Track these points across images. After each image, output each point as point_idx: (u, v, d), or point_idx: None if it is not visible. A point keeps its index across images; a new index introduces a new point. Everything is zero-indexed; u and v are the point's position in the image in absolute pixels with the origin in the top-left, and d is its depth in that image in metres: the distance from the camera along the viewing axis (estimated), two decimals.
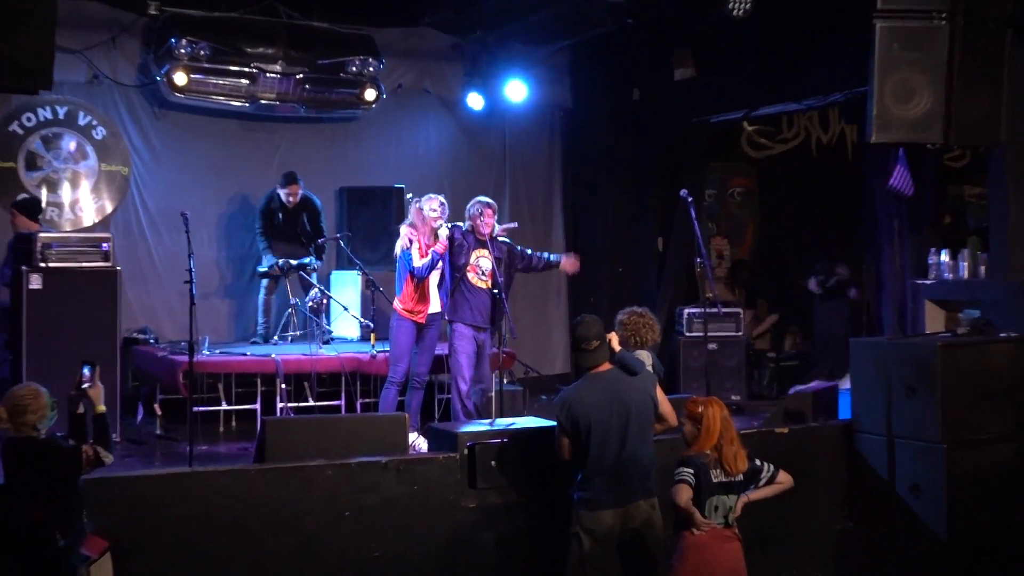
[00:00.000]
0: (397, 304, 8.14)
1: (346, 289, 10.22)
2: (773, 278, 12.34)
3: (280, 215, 10.07)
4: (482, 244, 8.01)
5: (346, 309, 9.60)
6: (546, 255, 8.36)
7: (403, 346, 8.10)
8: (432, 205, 8.02)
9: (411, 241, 7.99)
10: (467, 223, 8.05)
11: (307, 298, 9.61)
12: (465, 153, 11.75)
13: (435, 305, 8.20)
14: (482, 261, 8.01)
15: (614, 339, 5.66)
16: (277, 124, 10.86)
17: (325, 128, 11.11)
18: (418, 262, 7.93)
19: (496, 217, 8.07)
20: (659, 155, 11.45)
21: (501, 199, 11.60)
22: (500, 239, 8.09)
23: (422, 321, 8.13)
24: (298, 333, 9.76)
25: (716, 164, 12.52)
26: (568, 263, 8.31)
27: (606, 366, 5.57)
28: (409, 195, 8.54)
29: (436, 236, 7.94)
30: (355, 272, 9.97)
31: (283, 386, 8.71)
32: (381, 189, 10.81)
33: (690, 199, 8.26)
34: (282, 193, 10.04)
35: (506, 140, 11.93)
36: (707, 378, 8.89)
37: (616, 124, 11.75)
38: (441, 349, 8.48)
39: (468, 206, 8.10)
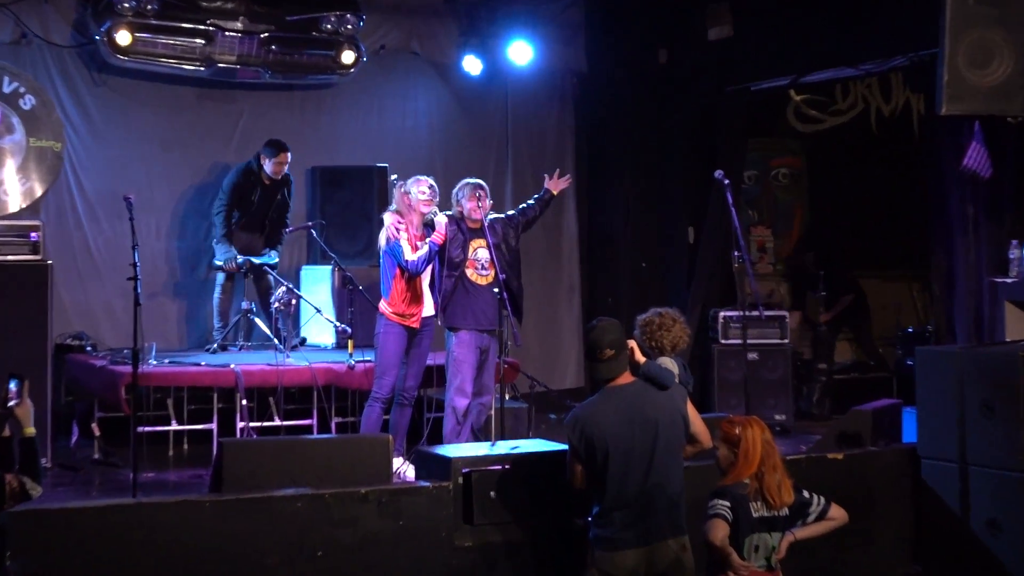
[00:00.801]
0: (384, 306, 8.15)
1: (319, 287, 10.22)
2: (825, 275, 12.02)
3: (258, 193, 10.05)
4: (477, 233, 8.09)
5: (319, 311, 9.56)
6: (534, 199, 8.43)
7: (391, 356, 8.12)
8: (421, 188, 8.08)
9: (398, 231, 8.03)
10: (455, 210, 8.14)
11: (272, 298, 9.61)
12: (460, 127, 11.69)
13: (428, 307, 8.24)
14: (480, 252, 8.10)
15: (635, 347, 5.66)
16: (238, 92, 10.82)
17: (294, 97, 11.07)
18: (411, 255, 7.95)
19: (489, 200, 8.15)
20: (690, 130, 11.40)
21: (503, 181, 11.70)
22: (491, 216, 8.21)
23: (415, 326, 8.19)
24: (248, 345, 9.83)
25: (757, 140, 12.37)
26: (554, 184, 8.40)
27: (627, 378, 5.57)
28: (393, 176, 8.54)
29: (432, 225, 8.01)
30: (329, 267, 9.99)
31: (244, 402, 8.75)
32: (360, 169, 10.76)
33: (726, 181, 8.30)
34: (267, 165, 9.99)
35: (508, 112, 11.88)
36: (746, 394, 8.89)
37: (639, 93, 11.68)
38: (433, 359, 8.56)
39: (455, 190, 8.18)
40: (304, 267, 10.68)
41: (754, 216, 12.81)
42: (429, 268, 8.12)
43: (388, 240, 8.05)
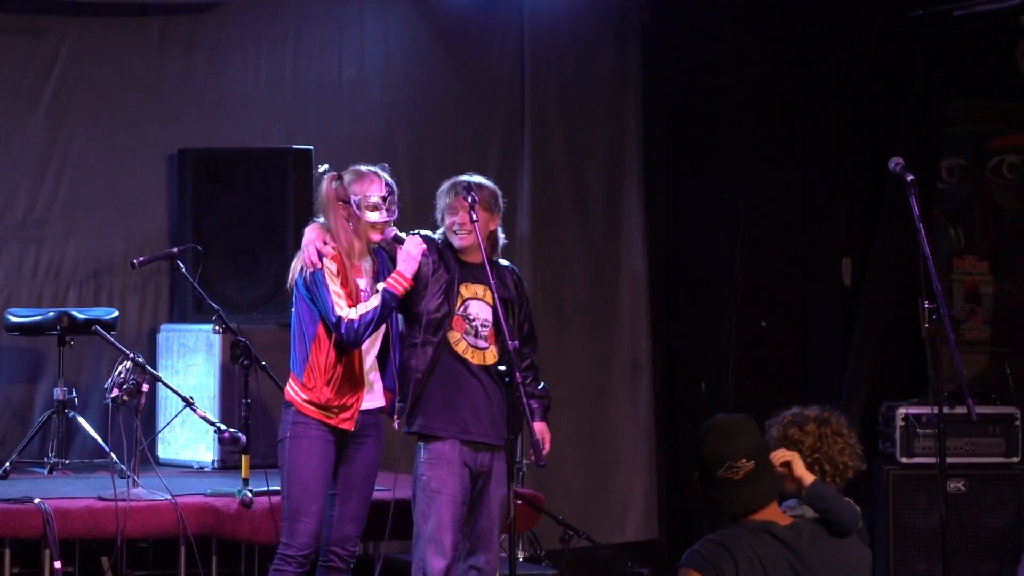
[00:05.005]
0: (295, 391, 7.63)
1: (190, 361, 9.98)
2: None
3: None
4: (474, 272, 7.72)
5: (190, 404, 8.76)
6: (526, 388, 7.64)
7: (311, 480, 7.66)
8: (372, 191, 7.58)
9: (320, 261, 7.53)
10: (440, 230, 7.76)
11: (109, 382, 8.85)
12: (441, 82, 11.12)
13: (376, 395, 7.72)
14: (475, 308, 7.74)
15: (796, 459, 5.52)
16: (51, 18, 10.40)
17: (149, 26, 10.53)
18: (346, 310, 7.45)
19: (494, 212, 7.78)
20: (846, 88, 10.87)
21: (514, 176, 10.97)
22: (502, 262, 7.92)
23: (347, 427, 7.58)
24: (66, 464, 9.68)
25: (966, 105, 11.59)
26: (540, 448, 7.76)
27: (777, 515, 5.26)
28: (323, 167, 7.97)
29: (388, 252, 7.68)
30: (208, 327, 9.74)
31: (58, 565, 8.27)
32: (264, 153, 10.32)
33: (910, 178, 7.85)
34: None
35: (526, 57, 11.23)
36: (945, 551, 8.40)
37: (753, 23, 11.03)
38: (388, 484, 8.11)
39: (438, 194, 7.83)
40: (165, 327, 10.10)
41: (959, 239, 11.75)
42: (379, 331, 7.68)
43: (305, 275, 7.53)
